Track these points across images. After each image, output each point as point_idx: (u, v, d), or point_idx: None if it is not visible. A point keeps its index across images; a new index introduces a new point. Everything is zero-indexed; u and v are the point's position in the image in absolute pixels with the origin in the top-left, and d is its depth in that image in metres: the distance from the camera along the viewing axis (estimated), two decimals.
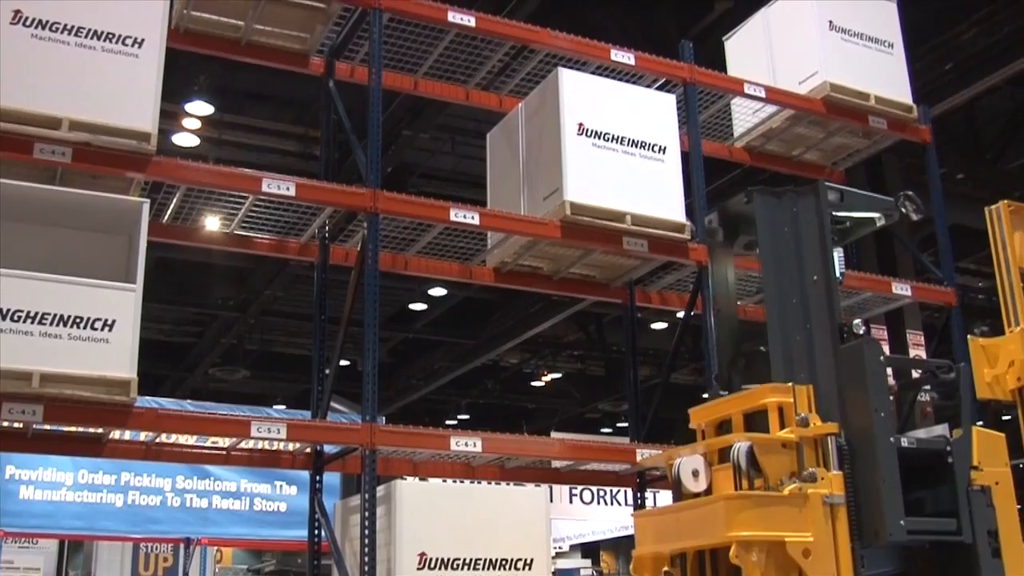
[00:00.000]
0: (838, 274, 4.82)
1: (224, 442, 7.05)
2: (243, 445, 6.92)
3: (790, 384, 4.51)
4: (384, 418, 8.15)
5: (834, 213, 4.88)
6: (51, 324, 5.31)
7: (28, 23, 5.74)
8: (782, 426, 4.42)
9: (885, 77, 8.38)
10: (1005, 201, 5.04)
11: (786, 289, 4.71)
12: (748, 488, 4.27)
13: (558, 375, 23.01)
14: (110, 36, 5.91)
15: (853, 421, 4.45)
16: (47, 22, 5.78)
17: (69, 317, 5.36)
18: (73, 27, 5.84)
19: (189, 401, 14.37)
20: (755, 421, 4.56)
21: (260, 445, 6.95)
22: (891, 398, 4.60)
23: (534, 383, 23.68)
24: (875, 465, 4.33)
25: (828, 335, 4.62)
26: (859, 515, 4.29)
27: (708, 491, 4.51)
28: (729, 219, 5.14)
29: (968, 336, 5.05)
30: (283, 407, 19.08)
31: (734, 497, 4.20)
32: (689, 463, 4.55)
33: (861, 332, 4.60)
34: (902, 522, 4.28)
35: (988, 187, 12.32)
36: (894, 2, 8.64)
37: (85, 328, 5.38)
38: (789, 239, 4.79)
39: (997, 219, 4.97)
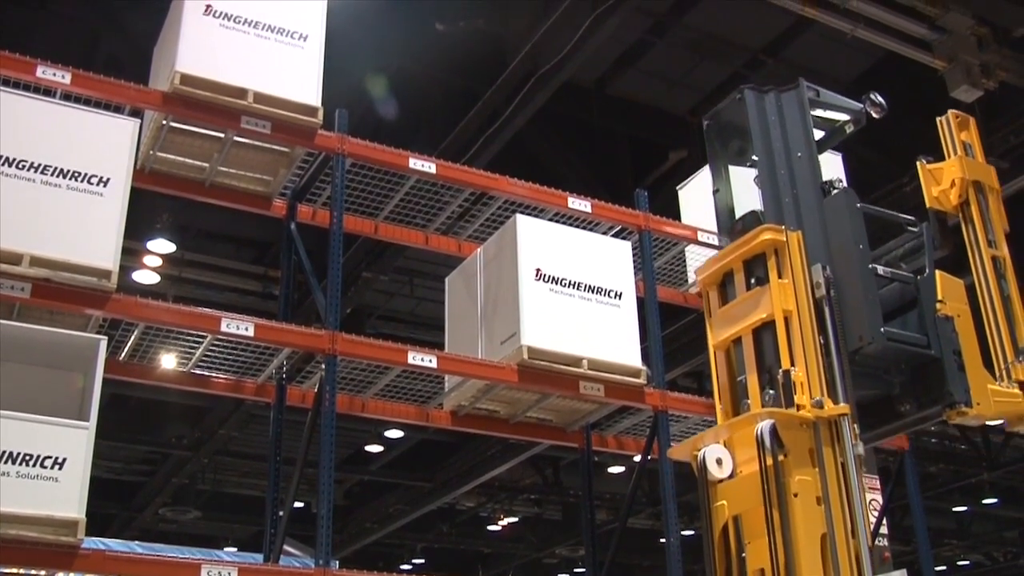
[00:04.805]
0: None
1: None
2: None
3: (782, 227, 5.03)
4: (338, 562, 8.01)
5: (811, 113, 5.54)
6: None
7: None
8: (779, 269, 4.92)
9: None
10: (952, 111, 5.94)
11: (776, 165, 5.37)
12: (772, 463, 4.50)
13: (515, 519, 22.74)
14: (76, 175, 5.99)
15: (837, 255, 5.05)
16: (14, 160, 5.86)
17: (19, 454, 5.25)
18: (40, 165, 5.92)
19: (137, 542, 14.03)
20: (755, 268, 5.06)
21: None
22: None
23: (490, 527, 23.35)
24: (857, 285, 4.94)
25: (812, 193, 5.25)
26: (845, 329, 4.85)
27: (732, 476, 4.72)
28: (722, 126, 5.74)
29: (916, 162, 5.75)
30: (234, 550, 18.62)
31: None
32: (713, 451, 4.74)
33: (840, 186, 5.26)
34: (882, 329, 4.86)
35: None
36: (839, 155, 8.94)
37: (35, 466, 5.27)
38: (776, 125, 5.46)
39: (947, 124, 5.85)
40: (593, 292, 7.33)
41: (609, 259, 7.57)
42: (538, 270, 7.16)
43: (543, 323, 7.03)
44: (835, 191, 5.27)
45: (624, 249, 7.72)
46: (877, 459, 11.33)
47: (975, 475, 19.46)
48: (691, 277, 8.90)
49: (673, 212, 8.83)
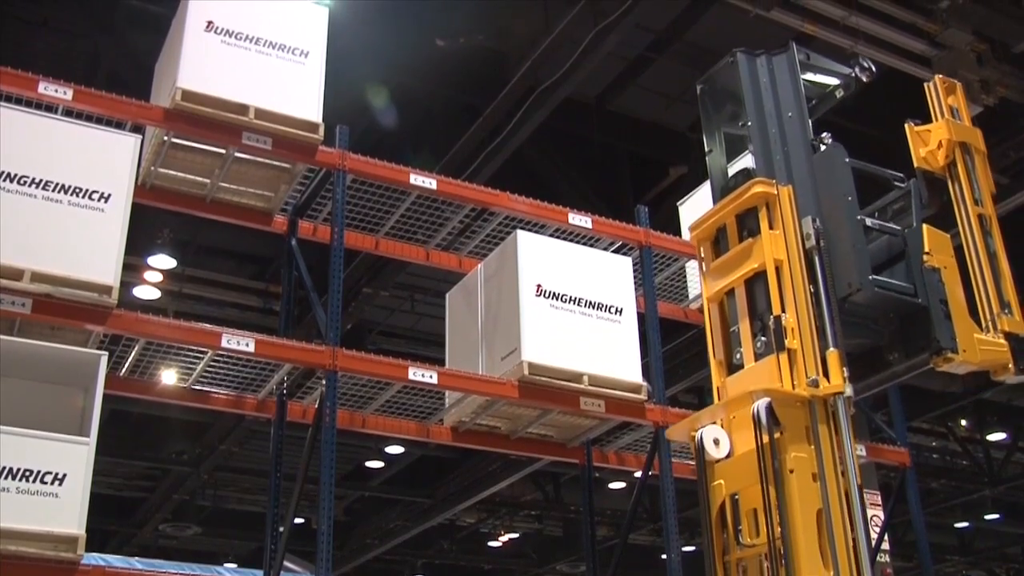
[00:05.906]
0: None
1: None
2: None
3: (773, 180, 5.15)
4: None
5: (801, 76, 5.70)
6: None
7: None
8: (770, 221, 5.03)
9: None
10: (939, 76, 6.08)
11: (767, 125, 5.49)
12: (768, 441, 4.55)
13: (515, 535, 22.68)
14: (77, 190, 5.99)
15: (827, 208, 5.18)
16: (15, 175, 5.87)
17: (19, 470, 5.24)
18: (41, 181, 5.92)
19: (137, 558, 13.98)
20: (747, 222, 5.17)
21: None
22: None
23: (491, 543, 23.29)
24: (846, 236, 5.07)
25: (802, 150, 5.40)
26: (835, 277, 4.98)
27: (729, 456, 4.79)
28: (715, 91, 5.89)
29: (905, 124, 5.81)
30: (234, 566, 18.58)
31: None
32: (710, 432, 4.82)
33: (829, 142, 5.40)
34: (871, 277, 4.98)
35: None
36: None
37: (35, 481, 5.26)
38: (767, 87, 5.63)
39: (934, 89, 5.98)
40: (594, 308, 7.34)
41: (610, 275, 7.58)
42: (539, 286, 7.17)
43: (544, 339, 7.04)
44: (824, 147, 5.39)
45: (625, 265, 7.73)
46: (878, 475, 11.31)
47: (977, 491, 19.42)
48: (692, 293, 8.91)
49: (674, 228, 8.83)
